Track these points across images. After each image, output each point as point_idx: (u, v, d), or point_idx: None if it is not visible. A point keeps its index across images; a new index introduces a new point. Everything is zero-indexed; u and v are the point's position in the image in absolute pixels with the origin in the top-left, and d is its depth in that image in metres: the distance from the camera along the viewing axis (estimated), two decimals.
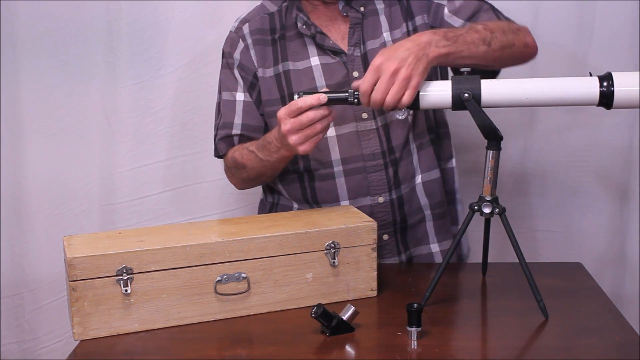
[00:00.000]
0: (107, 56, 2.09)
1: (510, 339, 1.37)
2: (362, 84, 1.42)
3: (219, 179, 2.11)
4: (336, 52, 1.66)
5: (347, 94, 1.49)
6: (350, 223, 1.50)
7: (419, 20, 1.67)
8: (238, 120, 1.72)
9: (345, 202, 1.69)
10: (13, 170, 2.12)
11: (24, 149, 2.12)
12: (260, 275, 1.44)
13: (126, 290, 1.36)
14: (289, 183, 1.75)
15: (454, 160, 1.79)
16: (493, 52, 1.52)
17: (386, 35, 1.67)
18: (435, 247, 1.75)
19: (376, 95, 1.40)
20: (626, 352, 1.30)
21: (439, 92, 1.44)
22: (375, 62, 1.41)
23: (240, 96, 1.72)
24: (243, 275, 1.43)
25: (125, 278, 1.36)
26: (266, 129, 1.72)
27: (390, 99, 1.40)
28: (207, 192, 2.18)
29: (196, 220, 2.08)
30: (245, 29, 1.71)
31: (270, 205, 1.82)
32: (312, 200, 1.72)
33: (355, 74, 1.64)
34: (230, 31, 1.74)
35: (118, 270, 1.35)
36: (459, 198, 1.81)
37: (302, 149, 1.47)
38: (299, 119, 1.44)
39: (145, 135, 2.14)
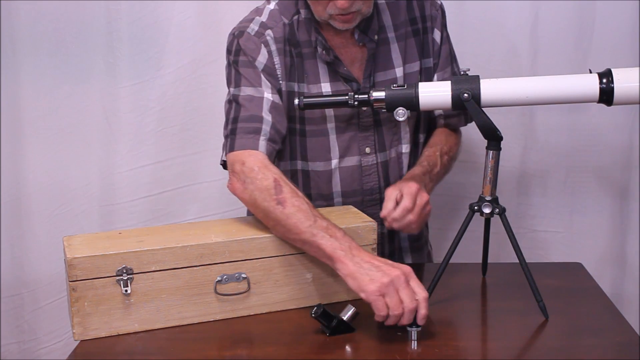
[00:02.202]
0: (107, 56, 2.09)
1: (510, 339, 1.37)
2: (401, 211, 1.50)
3: (219, 179, 2.11)
4: (348, 79, 1.63)
5: (347, 97, 1.49)
6: (350, 223, 1.50)
7: (428, 62, 1.68)
8: (268, 117, 1.53)
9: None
10: (13, 170, 2.12)
11: (24, 149, 2.11)
12: (260, 276, 1.44)
13: (126, 291, 1.36)
14: None
15: None
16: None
17: (399, 71, 1.65)
18: None
19: (407, 221, 1.52)
20: (626, 352, 1.30)
21: (438, 93, 1.45)
22: (424, 200, 1.53)
23: (268, 95, 1.56)
24: (243, 275, 1.43)
25: (125, 278, 1.36)
26: (285, 139, 1.61)
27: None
28: (207, 192, 2.18)
29: (196, 220, 2.08)
30: (269, 35, 1.59)
31: None
32: None
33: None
34: (248, 32, 1.59)
35: (118, 271, 1.35)
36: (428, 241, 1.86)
37: (369, 297, 1.31)
38: (412, 300, 1.30)
39: (145, 135, 2.13)
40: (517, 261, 1.45)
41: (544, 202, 2.19)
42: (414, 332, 1.33)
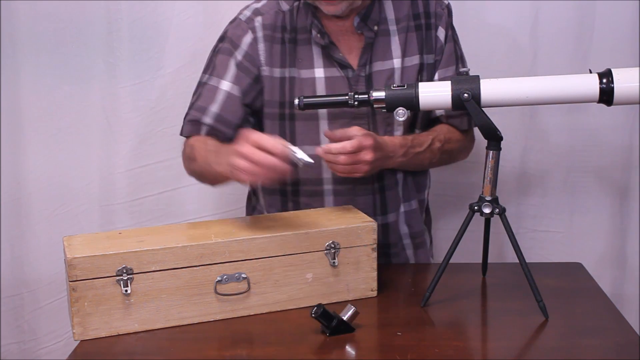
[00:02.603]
0: (107, 56, 2.09)
1: (510, 339, 1.37)
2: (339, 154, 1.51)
3: None
4: (344, 65, 1.63)
5: (346, 97, 1.50)
6: (350, 223, 1.50)
7: (430, 58, 1.68)
8: (215, 109, 1.63)
9: None
10: (13, 170, 2.12)
11: (24, 149, 2.12)
12: (260, 276, 1.44)
13: (126, 291, 1.36)
14: (270, 193, 1.73)
15: (426, 192, 1.82)
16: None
17: (396, 62, 1.65)
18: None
19: (337, 159, 1.51)
20: (626, 352, 1.30)
21: (438, 93, 1.45)
22: (365, 157, 1.50)
23: (225, 86, 1.64)
24: (243, 275, 1.43)
25: (125, 278, 1.36)
26: (241, 127, 1.63)
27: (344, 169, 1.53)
28: (207, 192, 2.18)
29: (196, 220, 2.08)
30: (258, 21, 1.64)
31: (252, 208, 1.81)
32: None
33: None
34: (239, 18, 1.66)
35: (118, 271, 1.35)
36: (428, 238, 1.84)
37: (238, 177, 1.39)
38: (256, 152, 1.34)
39: (145, 135, 2.14)
40: (517, 261, 1.45)
41: (544, 202, 2.19)
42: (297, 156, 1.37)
